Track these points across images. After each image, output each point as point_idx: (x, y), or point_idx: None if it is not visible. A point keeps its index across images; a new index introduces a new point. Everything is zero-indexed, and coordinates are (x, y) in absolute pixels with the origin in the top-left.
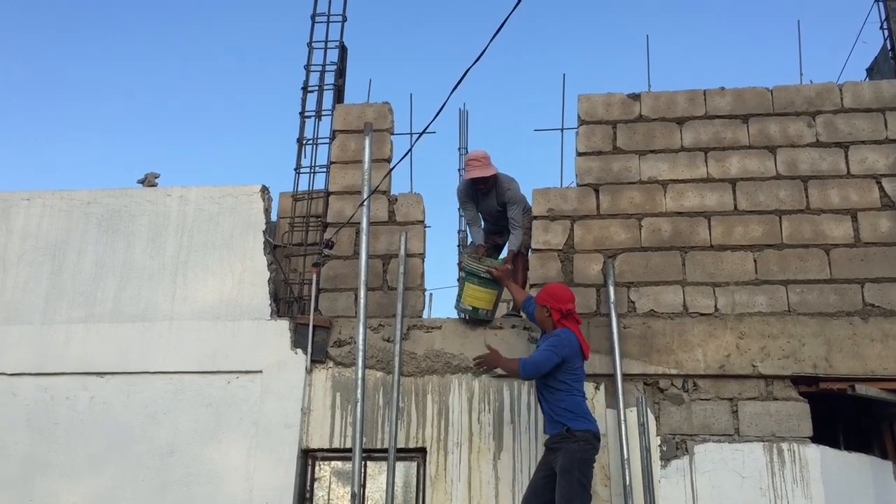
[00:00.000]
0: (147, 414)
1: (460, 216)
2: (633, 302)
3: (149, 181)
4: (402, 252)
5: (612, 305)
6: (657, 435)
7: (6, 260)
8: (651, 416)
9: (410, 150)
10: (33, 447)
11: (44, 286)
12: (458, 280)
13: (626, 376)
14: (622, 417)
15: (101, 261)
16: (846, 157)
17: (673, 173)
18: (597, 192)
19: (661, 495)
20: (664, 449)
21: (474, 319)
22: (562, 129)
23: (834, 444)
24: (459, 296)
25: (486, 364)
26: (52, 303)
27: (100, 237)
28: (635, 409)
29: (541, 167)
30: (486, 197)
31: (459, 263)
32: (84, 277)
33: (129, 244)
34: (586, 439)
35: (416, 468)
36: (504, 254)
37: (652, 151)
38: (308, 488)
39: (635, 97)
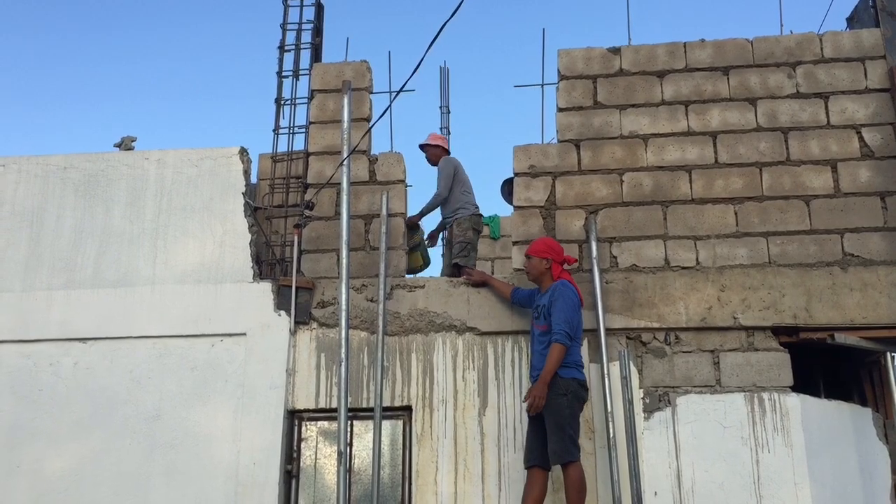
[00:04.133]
0: (132, 378)
1: None
2: (615, 257)
3: (125, 145)
4: (384, 212)
5: (594, 261)
6: (640, 388)
7: None
8: (634, 370)
9: (389, 107)
10: (18, 414)
11: (22, 253)
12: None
13: (608, 331)
14: (605, 371)
15: (80, 226)
16: (826, 107)
17: (654, 127)
18: (578, 147)
19: (645, 446)
20: (647, 401)
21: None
22: (542, 85)
23: (814, 392)
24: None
25: (537, 400)
26: (32, 269)
27: (77, 202)
28: (618, 362)
29: (522, 123)
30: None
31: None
32: (63, 243)
33: (108, 209)
34: (573, 389)
35: (402, 426)
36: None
37: (633, 106)
38: (295, 448)
39: (615, 51)
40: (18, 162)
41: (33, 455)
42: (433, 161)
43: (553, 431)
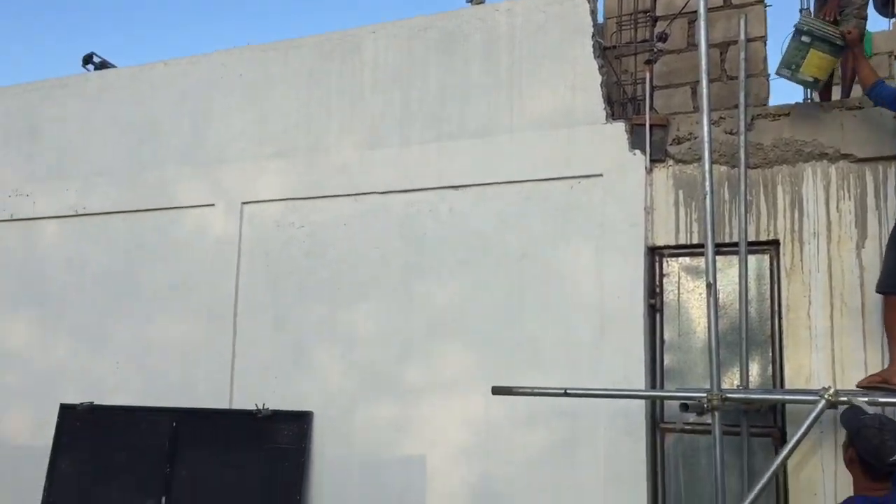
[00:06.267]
0: (499, 220)
1: None
2: None
3: None
4: (742, 37)
5: None
6: None
7: (363, 89)
8: None
9: None
10: (407, 256)
11: (397, 111)
12: (796, 44)
13: None
14: None
15: (443, 82)
16: None
17: None
18: None
19: None
20: None
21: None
22: None
23: None
24: (797, 64)
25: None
26: (406, 125)
27: (439, 60)
28: None
29: None
30: None
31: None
32: (430, 99)
33: (466, 63)
34: None
35: (768, 260)
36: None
37: None
38: (657, 283)
39: None
40: (385, 27)
41: (423, 289)
42: None
43: (885, 256)
